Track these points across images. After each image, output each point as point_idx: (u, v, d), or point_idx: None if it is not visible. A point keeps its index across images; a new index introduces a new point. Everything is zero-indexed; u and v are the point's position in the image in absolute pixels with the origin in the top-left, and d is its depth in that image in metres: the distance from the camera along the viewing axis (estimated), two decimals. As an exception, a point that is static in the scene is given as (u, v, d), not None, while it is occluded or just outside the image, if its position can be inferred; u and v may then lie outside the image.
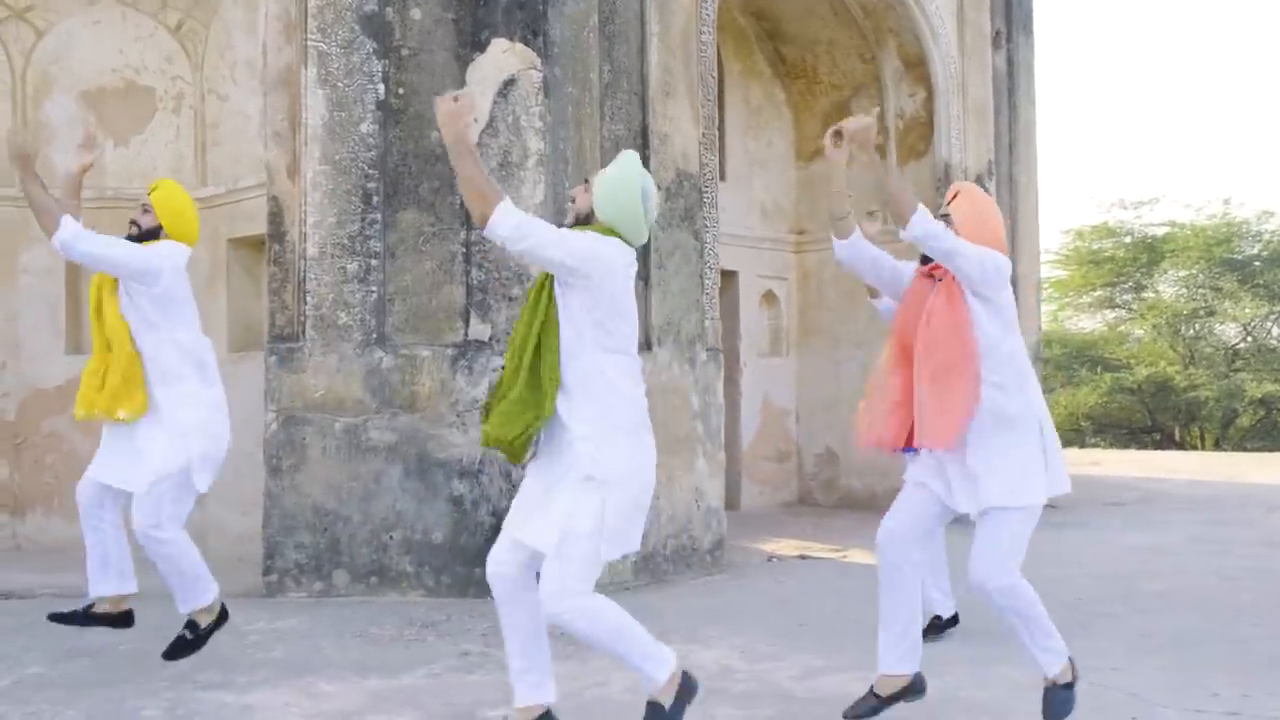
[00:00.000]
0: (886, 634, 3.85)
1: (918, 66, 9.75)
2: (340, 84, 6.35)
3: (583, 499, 3.33)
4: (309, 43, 6.36)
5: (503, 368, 3.50)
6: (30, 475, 7.85)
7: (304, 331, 6.31)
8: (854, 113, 10.22)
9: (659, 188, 7.00)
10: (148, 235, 4.56)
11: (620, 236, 3.48)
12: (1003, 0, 10.37)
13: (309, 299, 6.31)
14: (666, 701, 3.42)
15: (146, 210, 4.61)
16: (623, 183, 3.45)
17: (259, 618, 5.67)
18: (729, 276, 10.09)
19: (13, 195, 7.80)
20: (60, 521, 7.69)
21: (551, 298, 3.38)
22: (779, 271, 10.54)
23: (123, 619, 4.65)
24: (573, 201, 3.57)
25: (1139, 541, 8.42)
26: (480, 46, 6.38)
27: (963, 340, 3.66)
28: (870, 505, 9.96)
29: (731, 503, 10.06)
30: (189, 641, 4.56)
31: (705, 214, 7.36)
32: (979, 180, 9.86)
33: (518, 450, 3.37)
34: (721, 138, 10.15)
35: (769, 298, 10.52)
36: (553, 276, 3.38)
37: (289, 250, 6.39)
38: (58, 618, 4.60)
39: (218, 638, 5.23)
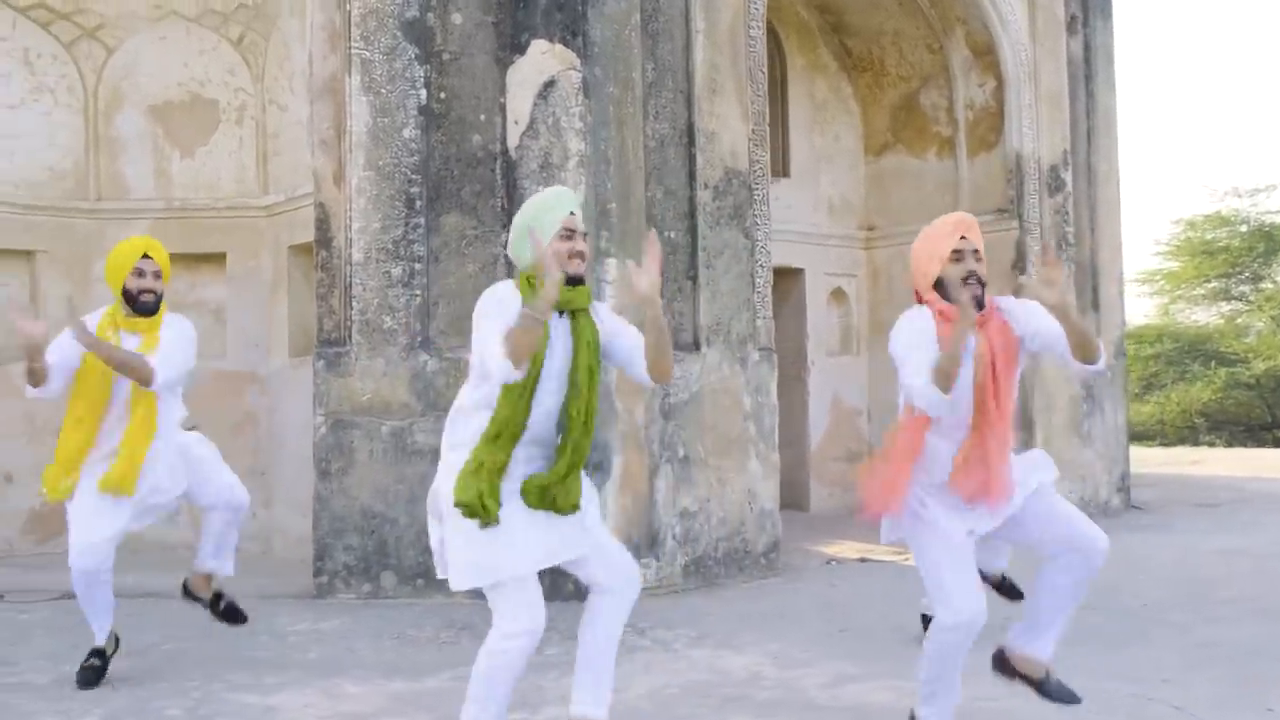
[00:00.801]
0: None
1: (987, 55, 9.48)
2: (383, 90, 6.41)
3: None
4: (353, 51, 6.43)
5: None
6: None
7: (350, 336, 6.38)
8: (922, 105, 10.02)
9: (705, 186, 6.93)
10: (158, 303, 4.54)
11: None
12: (1078, -16, 10.02)
13: (355, 304, 6.38)
14: None
15: (159, 275, 4.55)
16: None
17: (304, 619, 5.75)
18: (794, 274, 9.95)
19: (86, 208, 8.09)
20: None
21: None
22: (848, 268, 10.34)
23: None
24: (582, 257, 3.34)
25: (1222, 545, 8.04)
26: (520, 49, 6.38)
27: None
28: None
29: (799, 504, 9.91)
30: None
31: (756, 211, 7.24)
32: (1054, 171, 9.55)
33: None
34: (784, 133, 10.04)
35: (838, 295, 10.33)
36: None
37: (335, 256, 6.48)
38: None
39: (260, 638, 5.34)
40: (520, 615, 3.22)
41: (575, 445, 3.34)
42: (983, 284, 3.50)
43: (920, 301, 3.66)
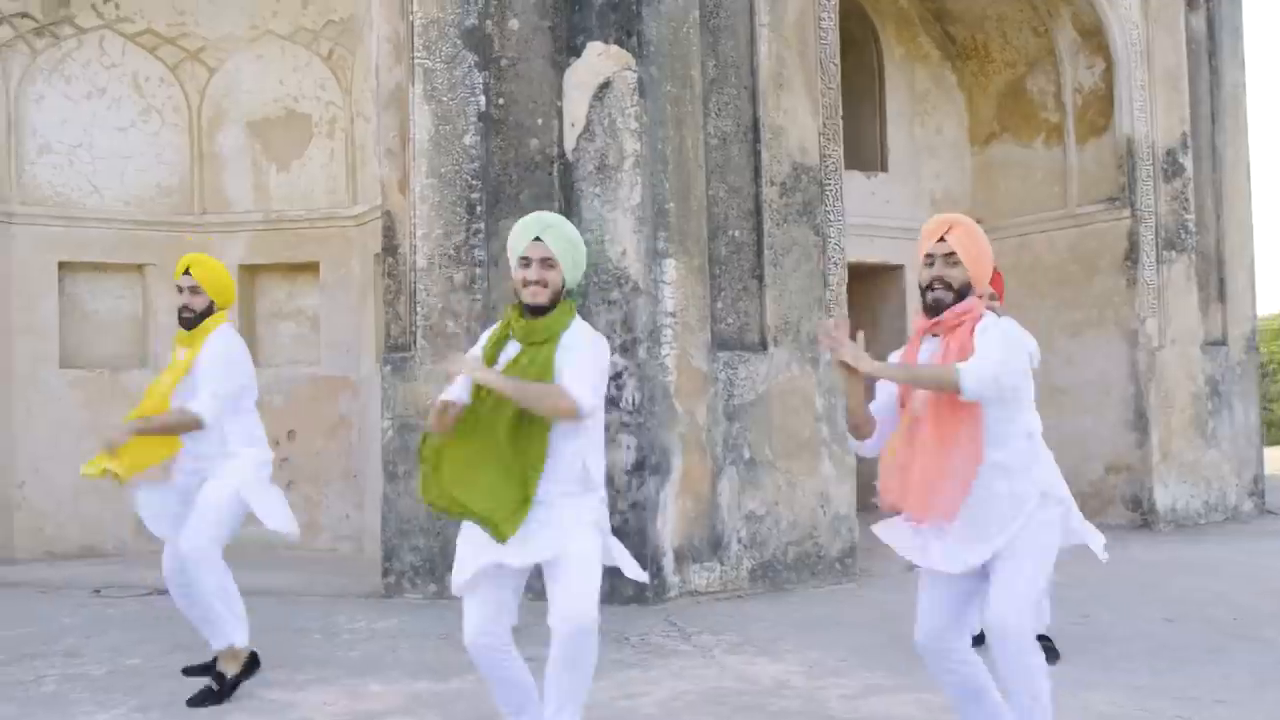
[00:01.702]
0: None
1: (1095, 36, 9.01)
2: (445, 98, 6.51)
3: None
4: (416, 60, 6.55)
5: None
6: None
7: (415, 341, 6.50)
8: (1029, 91, 9.62)
9: (771, 183, 6.80)
10: (204, 315, 4.50)
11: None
12: (1199, -44, 9.43)
13: (419, 309, 6.49)
14: None
15: (196, 291, 4.48)
16: (580, 242, 3.35)
17: (363, 618, 5.88)
18: (893, 271, 9.67)
19: (192, 222, 8.49)
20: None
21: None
22: (953, 263, 9.97)
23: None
24: (540, 285, 3.22)
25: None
26: (576, 51, 6.39)
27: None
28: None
29: (902, 507, 9.61)
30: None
31: (829, 207, 7.06)
32: (1170, 155, 9.01)
33: None
34: (882, 126, 9.77)
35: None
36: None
37: (401, 263, 6.61)
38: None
39: (313, 636, 5.49)
40: (465, 628, 3.26)
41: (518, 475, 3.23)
42: (951, 288, 3.24)
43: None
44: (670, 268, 6.33)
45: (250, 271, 8.44)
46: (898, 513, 3.32)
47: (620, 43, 6.32)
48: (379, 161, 6.83)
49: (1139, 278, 8.82)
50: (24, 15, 7.91)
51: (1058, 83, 9.39)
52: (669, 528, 6.23)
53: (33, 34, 7.99)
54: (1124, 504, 8.93)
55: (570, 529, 3.27)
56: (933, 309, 3.21)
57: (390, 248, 6.67)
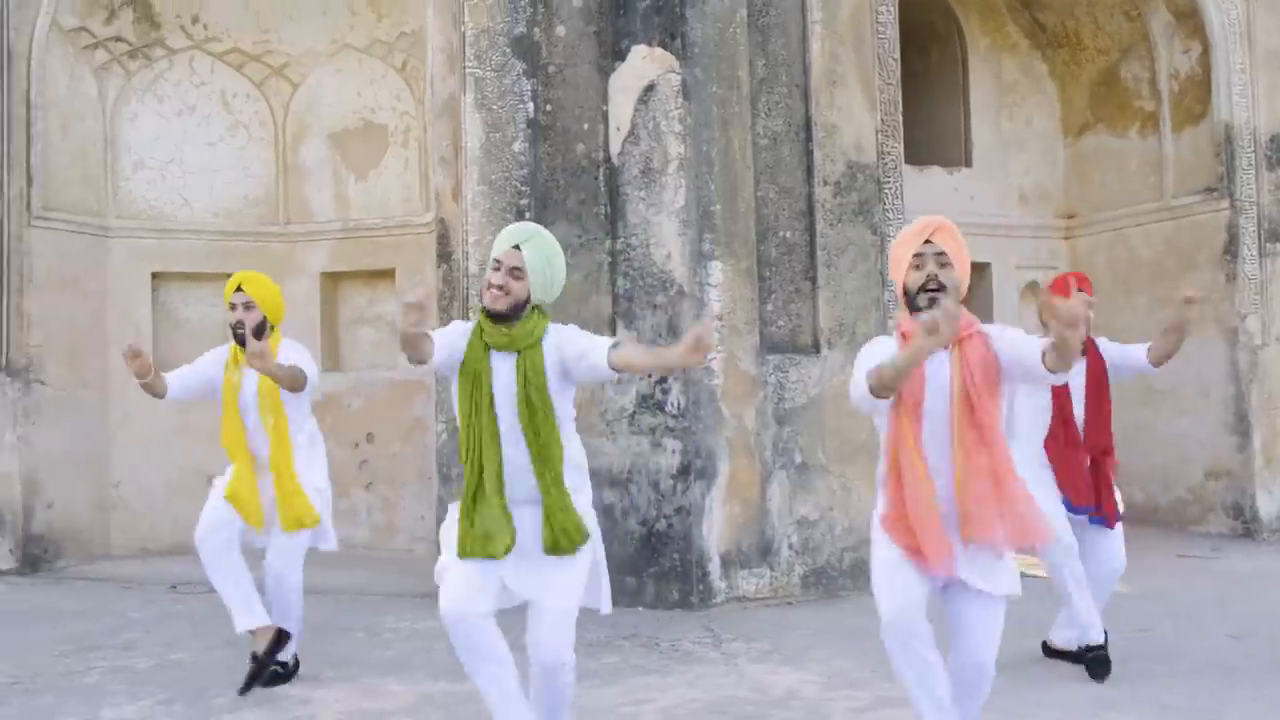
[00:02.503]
0: None
1: (1191, 18, 8.57)
2: (495, 106, 6.60)
3: None
4: (467, 70, 6.66)
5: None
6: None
7: (468, 346, 6.59)
8: (1123, 79, 9.22)
9: (824, 182, 6.68)
10: (259, 332, 4.58)
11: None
12: (1308, -72, 8.86)
13: (471, 315, 6.59)
14: None
15: (250, 307, 4.59)
16: (558, 261, 3.38)
17: (409, 618, 6.01)
18: (978, 269, 9.35)
19: (277, 232, 8.79)
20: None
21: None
22: (1045, 261, 9.62)
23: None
24: (501, 290, 3.29)
25: None
26: (621, 55, 6.40)
27: None
28: (1151, 519, 8.88)
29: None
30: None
31: (887, 206, 6.90)
32: (1274, 142, 8.51)
33: None
34: (966, 120, 9.49)
35: (1034, 290, 9.64)
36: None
37: (455, 269, 6.73)
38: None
39: (355, 635, 5.64)
40: (443, 601, 3.29)
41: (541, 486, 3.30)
42: (946, 290, 3.17)
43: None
44: (716, 270, 6.28)
45: (332, 279, 8.70)
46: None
47: (664, 45, 6.31)
48: (433, 170, 6.96)
49: (1239, 272, 8.35)
50: (118, 39, 8.32)
51: (1152, 69, 8.96)
52: (715, 533, 6.19)
53: (126, 56, 8.40)
54: (1224, 511, 8.47)
55: (565, 562, 3.31)
56: (932, 308, 3.12)
57: (445, 255, 6.80)
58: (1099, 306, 9.37)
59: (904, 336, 3.23)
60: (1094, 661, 4.69)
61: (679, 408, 6.18)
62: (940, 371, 3.17)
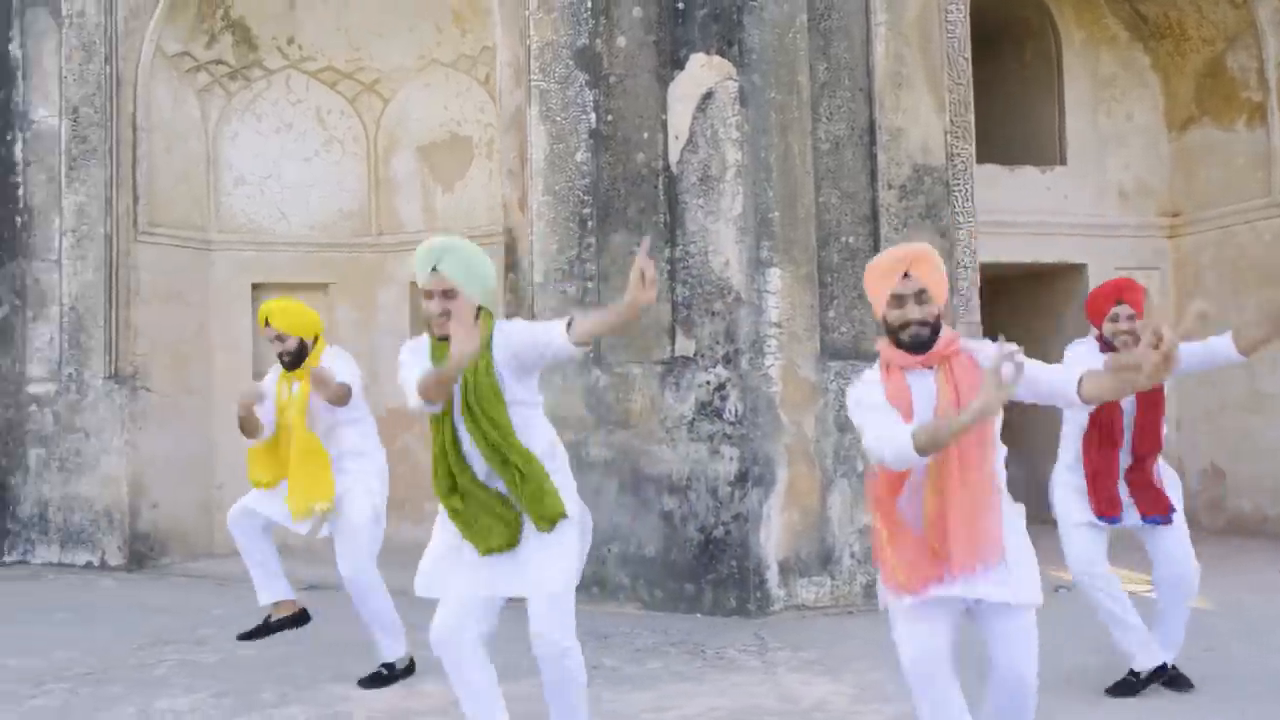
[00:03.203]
0: None
1: (1299, 4, 8.15)
2: (559, 118, 6.71)
3: None
4: (532, 83, 6.79)
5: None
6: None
7: (533, 353, 6.71)
8: (1230, 70, 8.83)
9: (889, 186, 6.58)
10: (300, 354, 4.89)
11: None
12: None
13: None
14: None
15: (282, 339, 4.87)
16: (479, 261, 3.48)
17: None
18: (1073, 271, 9.09)
19: (370, 243, 9.09)
20: (408, 525, 8.78)
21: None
22: (1147, 261, 9.24)
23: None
24: (444, 316, 3.35)
25: None
26: (680, 64, 6.43)
27: None
28: (1260, 531, 8.48)
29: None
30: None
31: (957, 209, 6.76)
32: (1392, 132, 8.02)
33: None
34: (1061, 117, 9.21)
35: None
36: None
37: (521, 278, 6.86)
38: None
39: (415, 633, 5.80)
40: (433, 626, 3.39)
41: (511, 484, 3.36)
42: (928, 324, 3.13)
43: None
44: (775, 277, 6.25)
45: (412, 292, 8.96)
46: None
47: (722, 53, 6.32)
48: (501, 182, 7.11)
49: (1352, 271, 7.90)
50: (219, 62, 8.73)
51: (1260, 58, 8.54)
52: (773, 540, 6.16)
53: (227, 78, 8.81)
54: (1338, 524, 8.02)
55: (552, 551, 3.38)
56: (915, 347, 3.10)
57: (512, 264, 6.93)
58: (1202, 300, 8.97)
59: (887, 367, 3.20)
60: (1171, 681, 4.54)
61: (737, 414, 6.18)
62: (925, 393, 3.12)
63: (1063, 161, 9.10)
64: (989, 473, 3.16)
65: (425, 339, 3.48)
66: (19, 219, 8.63)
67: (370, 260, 9.08)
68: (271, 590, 5.11)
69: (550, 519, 3.39)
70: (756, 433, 6.19)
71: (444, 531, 3.51)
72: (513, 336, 3.43)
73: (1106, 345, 4.53)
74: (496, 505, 3.38)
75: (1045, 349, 9.80)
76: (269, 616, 5.17)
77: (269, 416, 5.00)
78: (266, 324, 4.90)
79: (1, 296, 8.73)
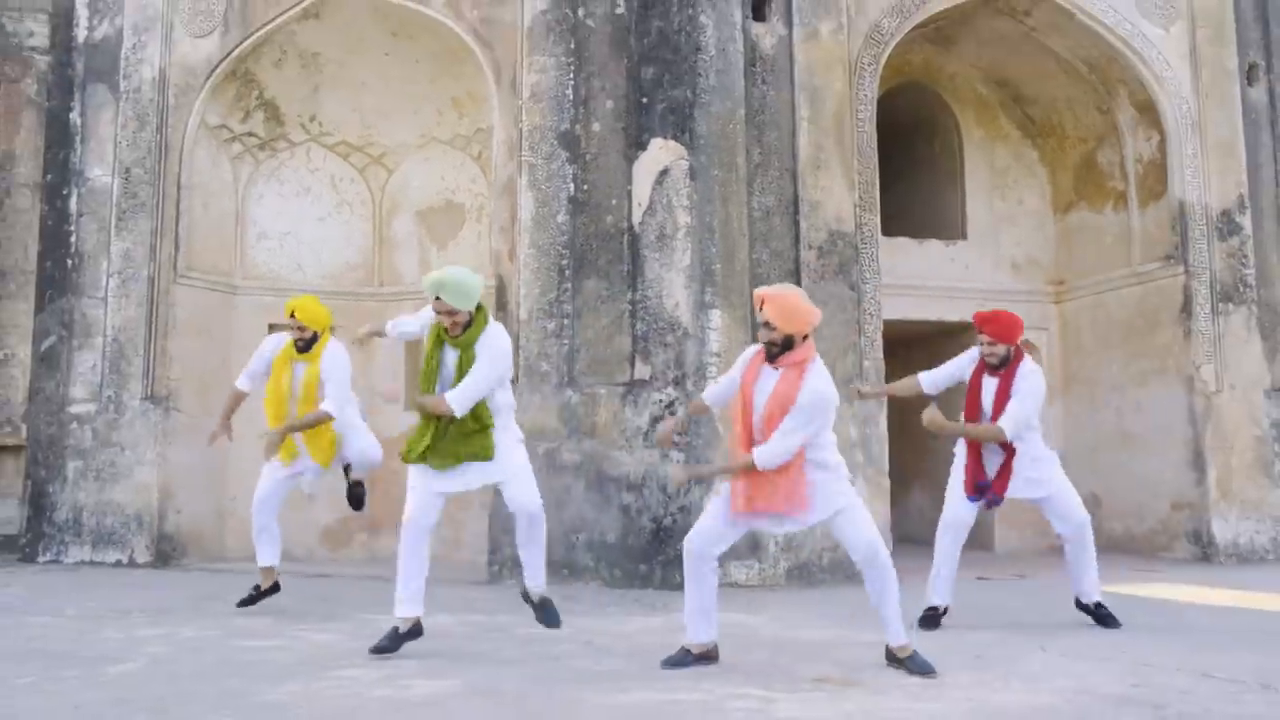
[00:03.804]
0: None
1: (1150, 111, 9.92)
2: (543, 186, 8.26)
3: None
4: (523, 158, 8.34)
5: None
6: (381, 504, 10.37)
7: (518, 378, 8.17)
8: (1099, 163, 10.56)
9: (809, 247, 8.15)
10: (312, 341, 6.49)
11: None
12: (1259, 33, 10.18)
13: (522, 354, 8.17)
14: None
15: (303, 328, 6.48)
16: (466, 283, 5.12)
17: (460, 598, 7.49)
18: (974, 329, 10.67)
19: (371, 293, 10.52)
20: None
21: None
22: (1036, 322, 10.88)
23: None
24: (454, 323, 5.09)
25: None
26: (643, 146, 8.02)
27: None
28: (1129, 548, 9.99)
29: (985, 544, 10.54)
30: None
31: (864, 267, 8.34)
32: (1226, 216, 9.75)
33: None
34: (962, 200, 10.91)
35: (1026, 348, 10.89)
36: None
37: (510, 317, 8.33)
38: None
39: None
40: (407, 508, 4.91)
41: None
42: (776, 343, 4.73)
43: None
44: (715, 317, 7.77)
45: (416, 331, 10.38)
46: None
47: (676, 138, 7.91)
48: (492, 237, 8.62)
49: (1194, 329, 9.56)
50: (251, 134, 10.23)
51: (1121, 154, 10.31)
52: (711, 528, 7.58)
53: (257, 148, 10.30)
54: (1186, 539, 9.56)
55: (508, 452, 4.96)
56: (768, 356, 4.65)
57: (502, 304, 8.41)
58: (1081, 356, 10.59)
59: (753, 362, 4.81)
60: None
61: (683, 427, 7.64)
62: (766, 387, 4.67)
63: (964, 237, 10.78)
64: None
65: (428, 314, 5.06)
66: (69, 261, 10.00)
67: (372, 308, 10.49)
68: (264, 557, 6.56)
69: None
70: (699, 441, 7.65)
71: None
72: (481, 351, 4.96)
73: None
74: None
75: (949, 393, 11.62)
76: (257, 585, 6.58)
77: (258, 384, 6.60)
78: (292, 315, 6.37)
79: (51, 328, 10.06)
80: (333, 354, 6.45)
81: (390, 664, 4.74)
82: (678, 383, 7.70)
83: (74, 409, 9.83)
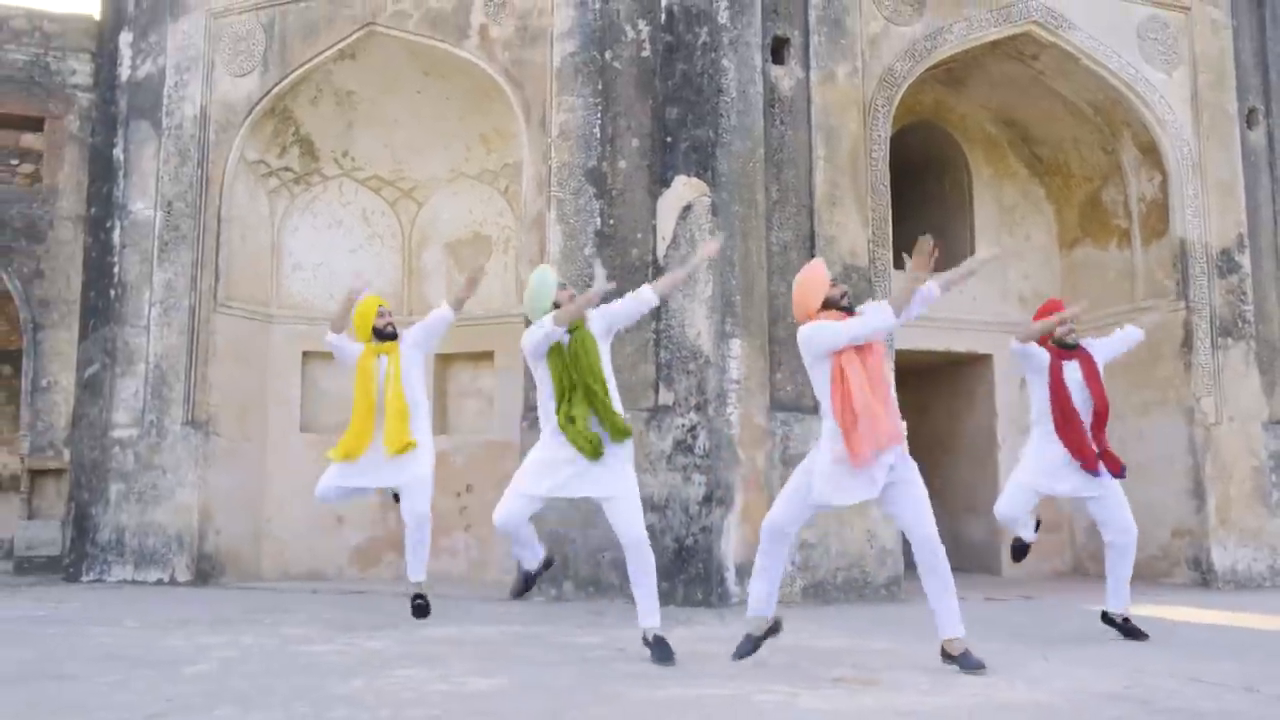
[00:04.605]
0: None
1: (1152, 152, 10.31)
2: (571, 221, 8.67)
3: None
4: (551, 193, 8.76)
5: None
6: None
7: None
8: (1104, 202, 10.96)
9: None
10: (394, 333, 6.95)
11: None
12: (1258, 79, 10.60)
13: (549, 379, 8.54)
14: None
15: (382, 315, 6.97)
16: (531, 293, 5.51)
17: (481, 609, 7.84)
18: (981, 359, 11.07)
19: (401, 321, 10.92)
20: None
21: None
22: (1042, 353, 11.24)
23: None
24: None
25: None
26: (667, 183, 8.43)
27: None
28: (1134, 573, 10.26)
29: (990, 569, 10.86)
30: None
31: (876, 299, 8.69)
32: (1226, 254, 10.12)
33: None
34: (971, 236, 11.30)
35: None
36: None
37: (538, 344, 8.70)
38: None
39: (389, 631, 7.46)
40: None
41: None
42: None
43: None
44: (736, 346, 8.15)
45: (444, 360, 10.78)
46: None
47: (699, 175, 8.32)
48: (519, 269, 9.02)
49: (1194, 362, 9.91)
50: (287, 169, 10.68)
51: (1125, 194, 10.70)
52: (731, 548, 7.93)
53: (292, 182, 10.75)
54: (1187, 565, 9.87)
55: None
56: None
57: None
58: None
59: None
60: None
61: (705, 451, 8.00)
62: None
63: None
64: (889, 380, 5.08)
65: None
66: (113, 291, 10.43)
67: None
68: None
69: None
70: (720, 465, 8.01)
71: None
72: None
73: (1058, 343, 6.53)
74: None
75: (958, 422, 11.94)
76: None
77: (349, 360, 6.91)
78: (379, 309, 6.77)
79: (94, 356, 10.48)
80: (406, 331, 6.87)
81: (442, 665, 5.08)
82: (699, 408, 8.07)
83: (116, 433, 10.22)
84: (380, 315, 6.97)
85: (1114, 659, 5.41)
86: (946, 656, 5.05)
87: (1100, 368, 6.62)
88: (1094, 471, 6.40)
